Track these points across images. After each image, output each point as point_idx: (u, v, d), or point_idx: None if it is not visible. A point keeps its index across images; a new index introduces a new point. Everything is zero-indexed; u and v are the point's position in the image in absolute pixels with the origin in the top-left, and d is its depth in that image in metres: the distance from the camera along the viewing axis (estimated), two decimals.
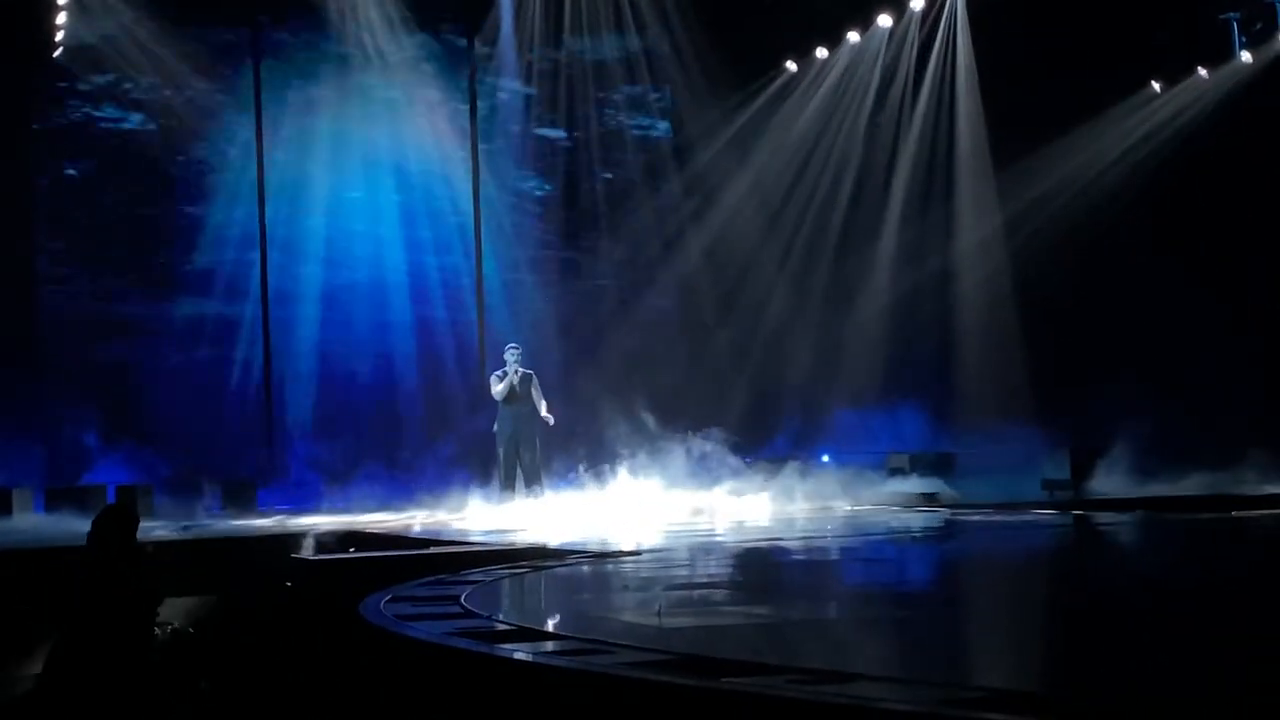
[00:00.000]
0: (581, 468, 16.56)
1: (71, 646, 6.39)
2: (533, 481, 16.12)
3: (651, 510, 15.25)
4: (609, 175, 21.93)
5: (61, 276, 19.27)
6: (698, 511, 15.40)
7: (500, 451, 16.37)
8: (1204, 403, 18.03)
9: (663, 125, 22.30)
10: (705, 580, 9.16)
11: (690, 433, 16.93)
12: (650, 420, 17.21)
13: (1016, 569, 10.30)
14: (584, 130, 21.76)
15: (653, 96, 22.15)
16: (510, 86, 21.41)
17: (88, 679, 6.29)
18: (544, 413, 16.28)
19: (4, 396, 18.10)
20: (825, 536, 12.76)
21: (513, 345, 16.62)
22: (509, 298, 21.20)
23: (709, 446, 16.86)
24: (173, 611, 7.41)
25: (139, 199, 19.64)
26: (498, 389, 16.34)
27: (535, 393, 16.31)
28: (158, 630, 6.76)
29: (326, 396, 20.20)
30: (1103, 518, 14.38)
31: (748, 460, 17.97)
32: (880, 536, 12.87)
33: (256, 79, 19.87)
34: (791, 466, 17.41)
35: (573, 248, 22.04)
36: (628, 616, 6.80)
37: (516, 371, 16.26)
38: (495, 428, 16.46)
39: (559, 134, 21.77)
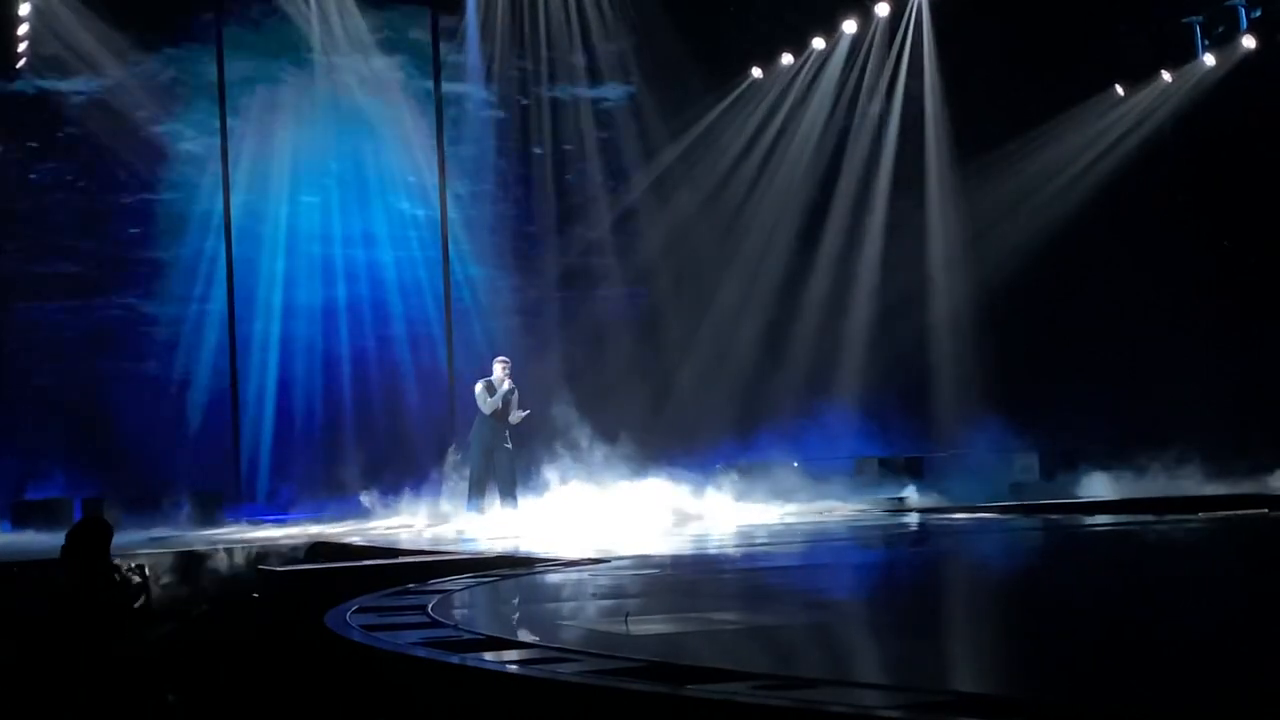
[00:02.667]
0: (545, 477, 16.43)
1: (43, 656, 6.37)
2: (507, 492, 15.99)
3: (621, 518, 15.20)
4: (569, 178, 21.85)
5: (24, 285, 19.05)
6: (665, 518, 15.35)
7: (473, 461, 16.14)
8: (1173, 405, 18.13)
9: (625, 126, 22.20)
10: (672, 587, 9.15)
11: (650, 438, 16.92)
12: (614, 427, 17.14)
13: (982, 573, 10.33)
14: (539, 128, 21.66)
15: (616, 95, 22.07)
16: (476, 94, 21.33)
17: (59, 689, 6.26)
18: (518, 415, 16.03)
19: None
20: (792, 542, 12.76)
21: (502, 358, 16.31)
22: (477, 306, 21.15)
23: (672, 453, 16.85)
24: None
25: (103, 203, 19.44)
26: (488, 401, 15.94)
27: (514, 404, 16.15)
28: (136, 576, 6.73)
29: (294, 407, 20.09)
30: (1070, 520, 14.43)
31: (717, 465, 17.98)
32: (848, 541, 12.89)
33: (220, 72, 19.66)
34: (760, 471, 17.42)
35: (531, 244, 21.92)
36: (595, 624, 6.78)
37: (508, 386, 16.02)
38: (470, 436, 16.30)
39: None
